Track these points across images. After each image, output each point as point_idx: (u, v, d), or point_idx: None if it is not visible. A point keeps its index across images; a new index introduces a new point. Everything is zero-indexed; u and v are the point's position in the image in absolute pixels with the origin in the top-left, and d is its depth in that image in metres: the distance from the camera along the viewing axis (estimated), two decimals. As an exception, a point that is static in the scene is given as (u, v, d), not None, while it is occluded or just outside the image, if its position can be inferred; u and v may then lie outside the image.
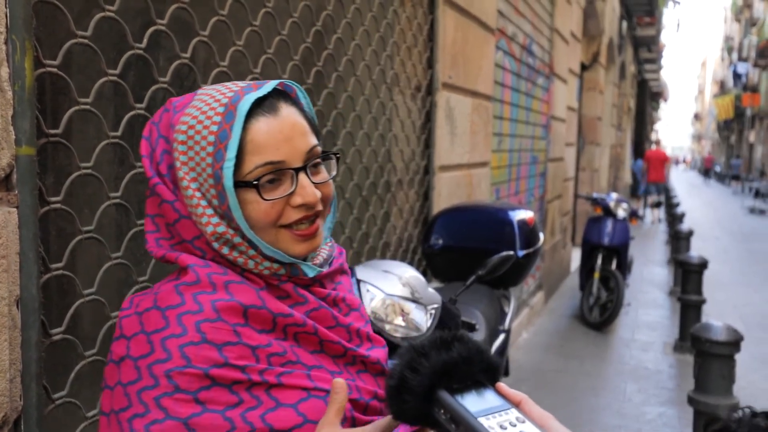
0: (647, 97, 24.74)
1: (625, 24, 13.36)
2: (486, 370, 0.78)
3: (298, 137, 0.91)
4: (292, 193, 0.90)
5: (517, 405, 0.76)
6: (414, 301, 1.75)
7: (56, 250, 1.43)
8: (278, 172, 0.89)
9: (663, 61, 26.75)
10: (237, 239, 0.89)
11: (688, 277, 5.49)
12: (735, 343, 3.03)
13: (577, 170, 9.58)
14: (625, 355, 5.33)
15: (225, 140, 0.87)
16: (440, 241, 2.84)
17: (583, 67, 9.42)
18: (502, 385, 0.78)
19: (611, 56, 11.62)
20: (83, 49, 1.41)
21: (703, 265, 5.50)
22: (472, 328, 2.05)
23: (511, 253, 2.26)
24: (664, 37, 25.62)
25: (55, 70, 1.32)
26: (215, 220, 0.89)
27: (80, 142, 1.52)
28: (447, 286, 2.68)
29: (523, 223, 2.79)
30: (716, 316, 5.65)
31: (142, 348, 0.83)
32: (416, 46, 3.20)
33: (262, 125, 0.89)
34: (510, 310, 2.80)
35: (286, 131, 0.90)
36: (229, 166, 0.86)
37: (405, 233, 3.25)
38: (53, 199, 1.34)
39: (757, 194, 20.13)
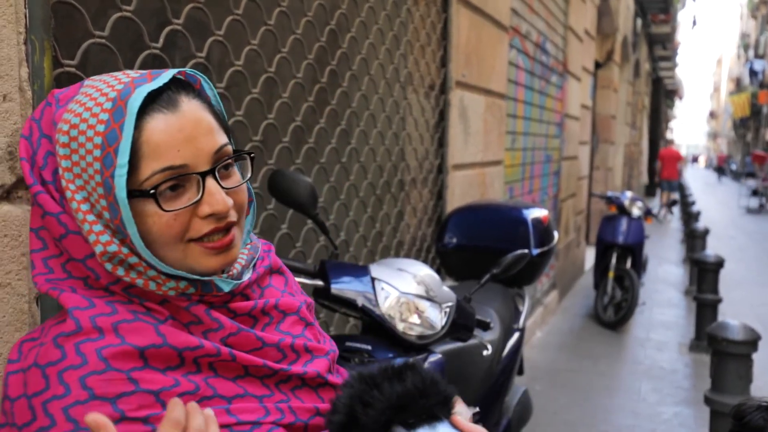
0: (662, 95, 24.58)
1: (639, 21, 13.27)
2: (442, 403, 0.73)
3: (203, 136, 0.78)
4: (198, 202, 0.78)
5: None
6: (429, 299, 1.75)
7: (74, 248, 1.45)
8: (181, 178, 0.77)
9: (678, 59, 26.56)
10: (133, 259, 0.77)
11: (704, 276, 5.44)
12: (752, 342, 3.00)
13: (591, 169, 9.52)
14: (639, 354, 5.30)
15: (114, 143, 0.73)
16: (454, 240, 2.84)
17: (597, 65, 9.37)
18: (457, 418, 0.74)
19: (625, 54, 11.55)
20: (101, 49, 1.42)
21: (719, 263, 5.45)
22: (486, 326, 2.04)
23: (526, 251, 2.25)
24: (679, 35, 25.42)
25: (73, 69, 1.33)
26: (105, 237, 0.76)
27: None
28: (461, 284, 2.68)
29: (537, 222, 2.78)
30: (732, 316, 5.59)
31: (25, 415, 0.72)
32: (430, 45, 3.20)
33: (159, 123, 0.76)
34: (524, 308, 2.79)
35: (187, 129, 0.77)
36: (121, 173, 0.73)
37: (419, 232, 3.25)
38: (71, 197, 1.36)
39: (755, 193, 19.57)
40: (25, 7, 1.18)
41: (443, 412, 0.73)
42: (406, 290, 1.73)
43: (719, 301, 5.43)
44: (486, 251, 2.69)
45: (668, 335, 5.83)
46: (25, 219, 1.19)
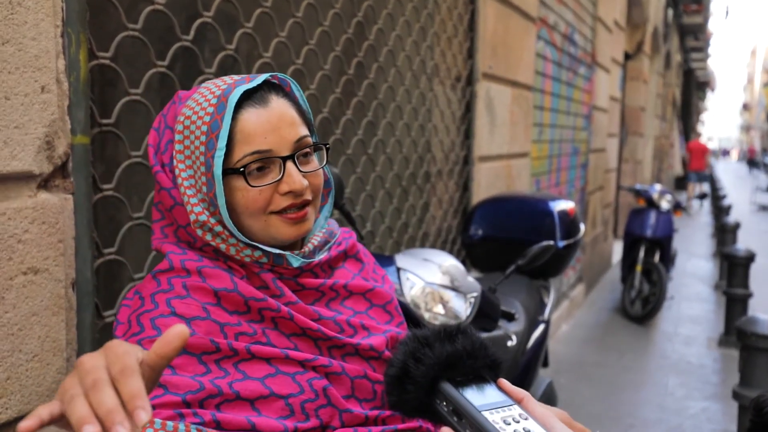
0: (693, 87, 24.15)
1: (671, 12, 13.04)
2: (489, 366, 0.77)
3: (286, 127, 0.94)
4: (279, 181, 0.93)
5: (519, 402, 0.75)
6: (453, 289, 1.76)
7: (108, 235, 1.49)
8: (267, 161, 0.93)
9: (710, 50, 26.04)
10: (218, 228, 0.93)
11: (734, 270, 5.36)
12: (782, 337, 2.96)
13: (619, 161, 9.41)
14: (667, 349, 5.25)
15: (216, 130, 0.91)
16: (480, 232, 2.84)
17: (627, 57, 9.24)
18: (504, 381, 0.77)
19: (656, 45, 11.37)
20: (133, 41, 1.46)
21: (750, 258, 5.37)
22: (511, 317, 2.05)
23: (551, 242, 2.24)
24: (712, 25, 24.91)
25: (107, 61, 1.37)
26: (198, 209, 0.93)
27: (130, 132, 1.57)
28: (486, 276, 2.68)
29: (563, 214, 2.77)
30: (763, 311, 5.51)
31: (125, 327, 0.91)
32: (456, 37, 3.20)
33: (251, 116, 0.92)
34: (550, 300, 2.78)
35: (274, 121, 0.93)
36: (219, 155, 0.90)
37: (444, 223, 3.26)
38: (105, 186, 1.40)
39: None
40: (62, 1, 1.21)
41: (490, 375, 0.77)
42: (431, 280, 1.74)
43: (749, 295, 5.35)
44: (512, 243, 2.69)
45: (697, 330, 5.76)
46: (62, 207, 1.23)
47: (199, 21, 1.64)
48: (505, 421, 0.70)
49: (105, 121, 1.38)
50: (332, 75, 2.26)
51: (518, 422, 0.70)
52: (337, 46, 2.28)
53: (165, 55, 1.55)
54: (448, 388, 0.73)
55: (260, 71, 1.88)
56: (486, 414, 0.70)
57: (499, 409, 0.72)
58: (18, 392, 1.16)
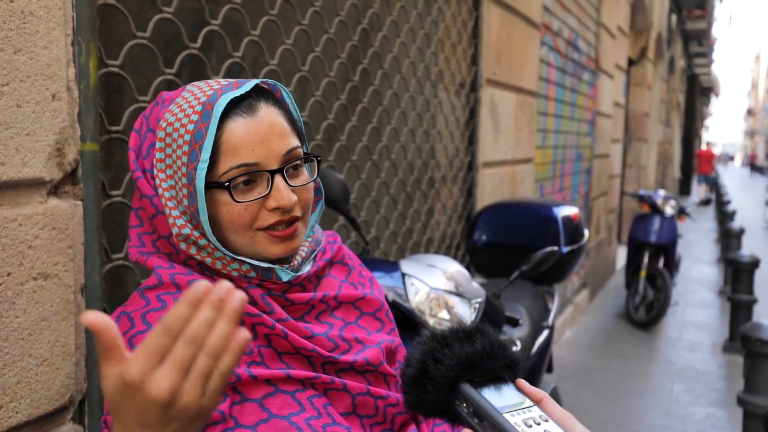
0: (697, 93, 24.13)
1: (674, 17, 13.05)
2: (508, 366, 0.76)
3: (276, 139, 0.88)
4: (266, 196, 0.88)
5: (538, 403, 0.74)
6: (458, 294, 1.77)
7: (116, 241, 1.50)
8: (253, 174, 0.87)
9: (714, 56, 26.03)
10: (203, 241, 0.87)
11: (738, 276, 5.36)
12: (787, 343, 2.96)
13: (623, 167, 9.41)
14: (672, 355, 5.24)
15: (200, 140, 0.84)
16: (484, 237, 2.85)
17: (631, 62, 9.25)
18: (523, 382, 0.76)
19: (660, 51, 11.38)
20: (142, 49, 1.47)
21: (755, 263, 5.36)
22: (515, 323, 2.06)
23: (555, 248, 2.25)
24: (716, 31, 24.89)
25: (116, 69, 1.39)
26: (180, 221, 0.87)
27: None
28: (490, 281, 2.69)
29: (567, 220, 2.78)
30: (767, 316, 5.51)
31: None
32: (460, 43, 3.21)
33: (239, 126, 0.86)
34: (554, 306, 2.79)
35: (262, 132, 0.87)
36: (202, 167, 0.84)
37: (448, 229, 3.27)
38: (114, 192, 1.41)
39: None
40: (72, 10, 1.23)
41: (509, 375, 0.76)
42: (435, 285, 1.75)
43: (754, 301, 5.34)
44: (516, 248, 2.70)
45: (701, 336, 5.75)
46: (71, 213, 1.25)
47: (206, 29, 1.65)
48: (526, 423, 0.69)
49: (114, 128, 1.40)
50: (337, 82, 2.28)
51: (539, 424, 0.70)
52: (342, 53, 2.29)
53: (173, 62, 1.56)
54: (468, 389, 0.73)
55: (266, 78, 1.89)
56: (507, 416, 0.70)
57: (520, 411, 0.71)
58: (28, 396, 1.18)
